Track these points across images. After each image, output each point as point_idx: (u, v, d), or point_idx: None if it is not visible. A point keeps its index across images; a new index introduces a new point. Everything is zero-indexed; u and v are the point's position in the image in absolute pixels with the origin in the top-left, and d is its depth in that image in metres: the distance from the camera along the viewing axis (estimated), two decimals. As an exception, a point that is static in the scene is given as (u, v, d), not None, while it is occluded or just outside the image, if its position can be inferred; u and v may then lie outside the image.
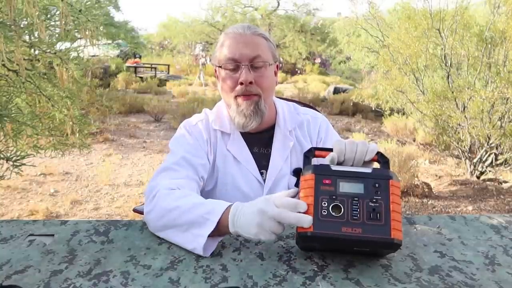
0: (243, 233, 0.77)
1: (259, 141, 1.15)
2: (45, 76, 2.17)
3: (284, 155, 1.14)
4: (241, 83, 1.04)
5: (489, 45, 4.27)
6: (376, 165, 0.85)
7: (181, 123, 1.17)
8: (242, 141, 1.14)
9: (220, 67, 1.08)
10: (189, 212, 0.83)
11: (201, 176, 1.07)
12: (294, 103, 1.29)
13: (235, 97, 1.07)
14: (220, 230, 0.80)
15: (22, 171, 1.97)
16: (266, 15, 17.63)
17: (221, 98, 1.17)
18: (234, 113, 1.08)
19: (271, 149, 1.14)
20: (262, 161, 1.13)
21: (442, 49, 4.52)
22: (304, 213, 0.74)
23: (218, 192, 1.12)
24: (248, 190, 1.11)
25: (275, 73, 1.15)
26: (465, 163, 4.68)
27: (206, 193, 1.13)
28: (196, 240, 0.79)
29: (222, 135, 1.14)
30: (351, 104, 8.19)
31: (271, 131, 1.16)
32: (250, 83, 1.04)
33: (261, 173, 1.12)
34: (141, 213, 1.33)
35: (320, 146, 1.19)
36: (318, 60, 18.51)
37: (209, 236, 0.79)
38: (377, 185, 0.75)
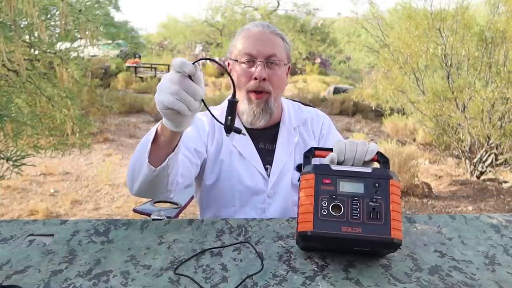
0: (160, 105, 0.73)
1: (265, 137, 1.17)
2: (45, 76, 2.18)
3: (288, 151, 1.16)
4: (255, 78, 1.06)
5: (489, 45, 4.28)
6: (376, 165, 0.85)
7: None
8: (248, 137, 1.15)
9: (236, 60, 1.10)
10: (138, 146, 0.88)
11: (195, 163, 1.07)
12: (298, 103, 1.32)
13: (247, 92, 1.09)
14: (162, 135, 0.81)
15: (22, 171, 1.97)
16: (266, 15, 17.63)
17: (222, 99, 1.18)
18: (244, 109, 1.11)
19: (275, 145, 1.16)
20: (267, 157, 1.15)
21: (442, 49, 4.52)
22: (304, 212, 0.74)
23: (221, 186, 1.13)
24: (253, 185, 1.12)
25: (286, 74, 1.17)
26: (465, 163, 4.68)
27: (208, 187, 1.15)
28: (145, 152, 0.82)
29: None
30: (351, 104, 8.19)
31: (276, 128, 1.18)
32: (264, 79, 1.06)
33: (266, 168, 1.14)
34: (141, 213, 1.33)
35: (322, 142, 1.21)
36: (318, 60, 18.49)
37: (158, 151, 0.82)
38: (377, 184, 0.75)
